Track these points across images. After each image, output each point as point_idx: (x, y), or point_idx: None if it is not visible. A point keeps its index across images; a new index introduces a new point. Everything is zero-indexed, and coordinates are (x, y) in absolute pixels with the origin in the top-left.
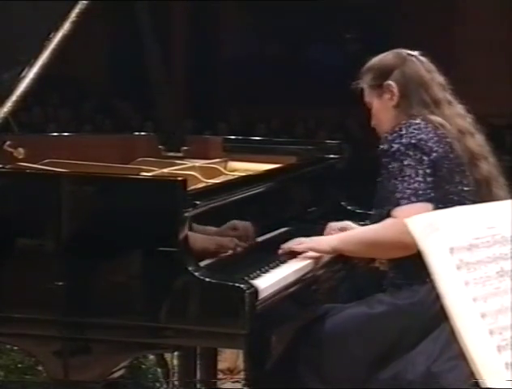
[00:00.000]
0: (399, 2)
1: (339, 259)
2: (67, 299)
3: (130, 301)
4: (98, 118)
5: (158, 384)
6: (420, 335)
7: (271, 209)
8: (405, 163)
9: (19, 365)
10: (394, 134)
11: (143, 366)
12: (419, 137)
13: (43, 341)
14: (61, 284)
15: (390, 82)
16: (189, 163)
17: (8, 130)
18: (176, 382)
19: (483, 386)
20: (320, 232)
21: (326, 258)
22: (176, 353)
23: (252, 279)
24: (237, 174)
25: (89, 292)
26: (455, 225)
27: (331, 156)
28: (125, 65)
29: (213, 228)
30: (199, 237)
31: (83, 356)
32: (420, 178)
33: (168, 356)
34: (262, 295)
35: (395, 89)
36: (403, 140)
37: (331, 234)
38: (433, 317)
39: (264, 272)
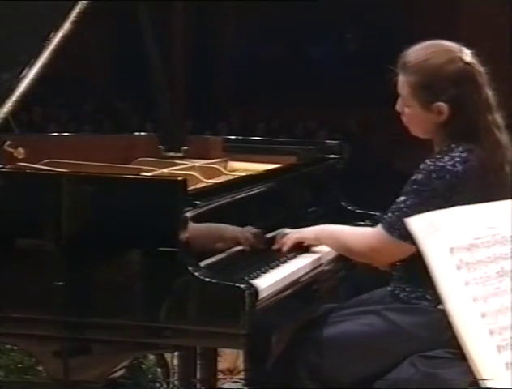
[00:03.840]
0: (400, 2)
1: (339, 259)
2: (67, 299)
3: (130, 301)
4: (98, 118)
5: (158, 384)
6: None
7: (271, 209)
8: (416, 201)
9: (19, 365)
10: (435, 172)
11: (143, 366)
12: (454, 180)
13: (43, 341)
14: (61, 284)
15: (443, 104)
16: (189, 163)
17: (8, 130)
18: (176, 382)
19: (483, 386)
20: None
21: (327, 257)
22: (176, 353)
23: (252, 279)
24: (237, 174)
25: (89, 292)
26: (455, 225)
27: (331, 156)
28: (125, 65)
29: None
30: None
31: (83, 356)
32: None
33: (168, 356)
34: (262, 295)
35: (446, 112)
36: (438, 182)
37: None
38: (441, 342)
39: (264, 272)
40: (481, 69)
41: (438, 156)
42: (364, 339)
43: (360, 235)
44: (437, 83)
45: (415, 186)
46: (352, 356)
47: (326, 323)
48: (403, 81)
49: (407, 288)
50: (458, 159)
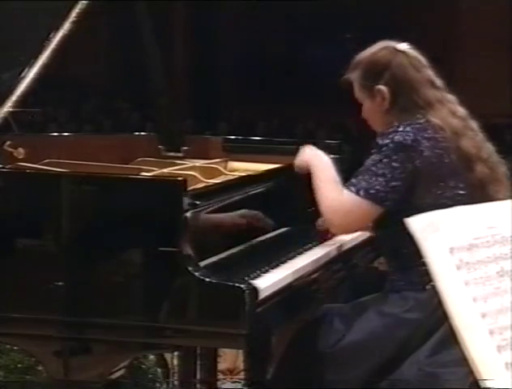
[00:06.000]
0: (399, 2)
1: (339, 259)
2: (67, 299)
3: (130, 301)
4: (98, 118)
5: (158, 384)
6: (421, 342)
7: (271, 209)
8: (383, 159)
9: (19, 365)
10: (391, 129)
11: (143, 366)
12: (413, 137)
13: (43, 341)
14: (61, 284)
15: (381, 87)
16: (189, 163)
17: (8, 130)
18: (176, 382)
19: (483, 386)
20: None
21: (326, 258)
22: (176, 353)
23: (252, 279)
24: (237, 174)
25: (89, 292)
26: (455, 225)
27: (331, 156)
28: (125, 65)
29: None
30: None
31: (83, 356)
32: (381, 180)
33: (168, 356)
34: (262, 295)
35: (387, 95)
36: (396, 137)
37: None
38: (435, 323)
39: (264, 272)
40: (418, 55)
41: (396, 123)
42: (362, 339)
43: (327, 199)
44: (372, 68)
45: (376, 148)
46: (352, 358)
47: (326, 329)
48: (354, 82)
49: (398, 275)
50: (414, 125)
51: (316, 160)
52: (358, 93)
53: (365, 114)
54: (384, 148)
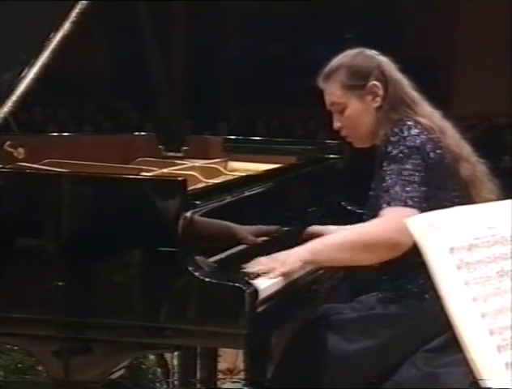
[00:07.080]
0: (400, 2)
1: None
2: (67, 299)
3: (130, 301)
4: (98, 118)
5: (158, 384)
6: (421, 344)
7: (271, 209)
8: (406, 166)
9: (19, 365)
10: (397, 137)
11: (143, 366)
12: (419, 141)
13: (43, 341)
14: (61, 284)
15: (376, 82)
16: (189, 163)
17: (8, 130)
18: (176, 382)
19: (483, 386)
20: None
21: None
22: (176, 353)
23: (252, 279)
24: (237, 174)
25: (89, 292)
26: (455, 225)
27: (331, 156)
28: (125, 65)
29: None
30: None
31: (83, 356)
32: (416, 186)
33: (168, 356)
34: (262, 295)
35: (381, 90)
36: (407, 143)
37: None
38: (437, 328)
39: None
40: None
41: (396, 130)
42: (363, 354)
43: (374, 227)
44: (359, 68)
45: (387, 158)
46: (354, 364)
47: (327, 331)
48: (331, 87)
49: (395, 285)
50: (412, 128)
51: (312, 252)
52: (341, 97)
53: (350, 120)
54: (399, 156)
